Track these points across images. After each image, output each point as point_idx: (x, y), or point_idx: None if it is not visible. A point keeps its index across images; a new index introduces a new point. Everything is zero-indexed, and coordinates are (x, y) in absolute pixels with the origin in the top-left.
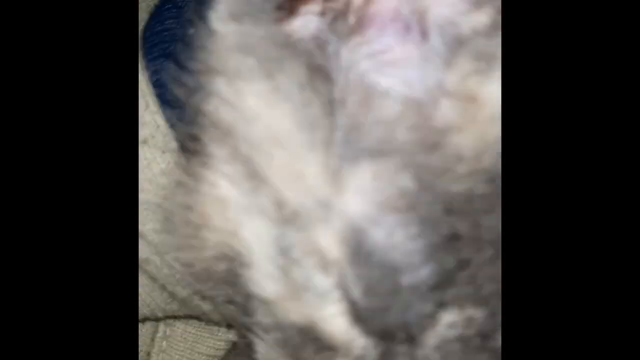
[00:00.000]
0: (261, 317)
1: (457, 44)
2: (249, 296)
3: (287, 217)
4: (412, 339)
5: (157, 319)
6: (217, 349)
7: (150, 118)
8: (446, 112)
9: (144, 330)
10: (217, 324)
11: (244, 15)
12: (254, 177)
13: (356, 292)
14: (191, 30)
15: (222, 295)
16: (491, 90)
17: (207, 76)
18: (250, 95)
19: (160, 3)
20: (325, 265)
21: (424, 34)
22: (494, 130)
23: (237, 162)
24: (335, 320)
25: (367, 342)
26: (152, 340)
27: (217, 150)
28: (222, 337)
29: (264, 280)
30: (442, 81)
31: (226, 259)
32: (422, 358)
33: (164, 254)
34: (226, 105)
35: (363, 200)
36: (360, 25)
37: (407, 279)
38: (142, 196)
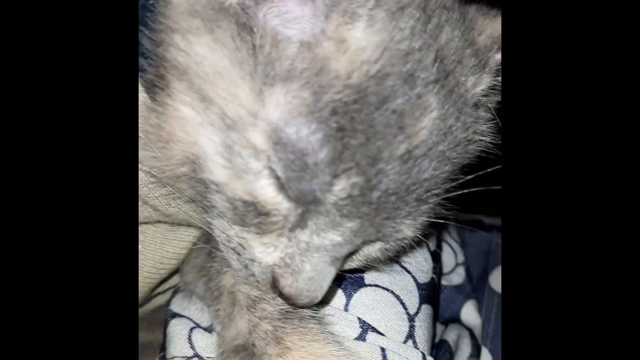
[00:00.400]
0: (214, 197)
1: (333, 4)
2: (206, 185)
3: (229, 125)
4: (318, 200)
5: None
6: (181, 248)
7: None
8: (327, 49)
9: None
10: (179, 225)
11: None
12: (204, 100)
13: (279, 170)
14: (151, 1)
15: (186, 191)
16: (355, 34)
17: (167, 34)
18: (198, 45)
19: None
20: (257, 154)
21: None
22: (358, 58)
23: (192, 91)
24: (266, 190)
25: (289, 205)
26: None
27: (177, 85)
28: (185, 238)
29: (217, 169)
30: (323, 29)
31: (189, 162)
32: (325, 212)
33: (142, 167)
34: (182, 53)
35: (279, 110)
36: None
37: (311, 159)
38: None
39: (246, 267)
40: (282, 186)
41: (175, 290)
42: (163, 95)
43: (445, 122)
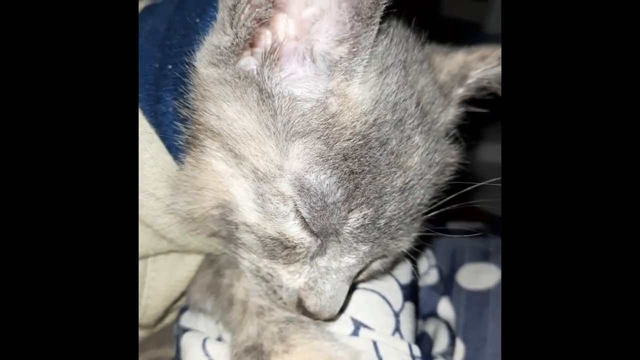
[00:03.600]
0: (243, 235)
1: (334, 64)
2: (236, 225)
3: (260, 177)
4: (336, 232)
5: (147, 257)
6: (189, 272)
7: None
8: (333, 104)
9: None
10: (188, 253)
11: (218, 62)
12: (237, 157)
13: (304, 212)
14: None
15: (211, 228)
16: (354, 90)
17: (199, 101)
18: (229, 111)
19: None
20: (284, 200)
21: (313, 61)
22: (358, 110)
23: (225, 150)
24: (293, 229)
25: (311, 239)
26: (145, 270)
27: (210, 143)
28: (192, 263)
29: (249, 213)
30: (327, 87)
31: (220, 206)
32: (342, 240)
33: (172, 209)
34: (214, 117)
35: (300, 161)
36: (277, 60)
37: (330, 199)
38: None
39: (274, 292)
40: (306, 224)
41: (182, 309)
42: (197, 151)
43: (429, 155)
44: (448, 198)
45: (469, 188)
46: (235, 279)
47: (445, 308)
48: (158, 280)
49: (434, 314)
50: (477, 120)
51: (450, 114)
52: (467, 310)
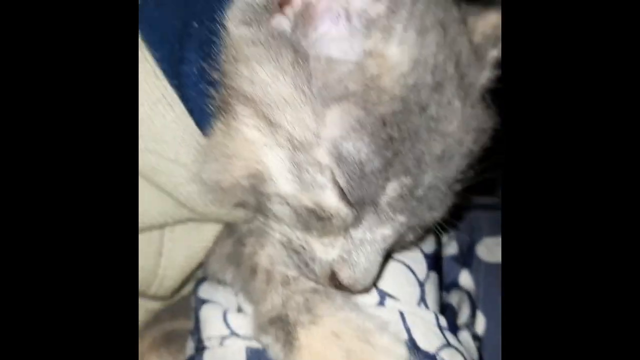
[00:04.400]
0: (275, 206)
1: (371, 22)
2: (268, 196)
3: (296, 146)
4: (373, 202)
5: (163, 226)
6: (207, 241)
7: None
8: (371, 67)
9: (155, 233)
10: (206, 222)
11: (251, 21)
12: (271, 125)
13: (342, 182)
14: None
15: (237, 199)
16: (392, 50)
17: (231, 64)
18: (262, 73)
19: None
20: (322, 169)
21: (348, 19)
22: (397, 72)
23: (258, 117)
24: (330, 200)
25: (348, 210)
26: (161, 239)
27: (242, 109)
28: (209, 232)
29: (284, 184)
30: (365, 48)
31: (251, 176)
32: (380, 211)
33: (199, 177)
34: (247, 81)
35: (337, 128)
36: (310, 19)
37: (367, 168)
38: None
39: (306, 264)
40: (343, 194)
41: (200, 280)
42: (227, 118)
43: (467, 120)
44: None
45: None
46: (258, 247)
47: (466, 279)
48: (175, 251)
49: (455, 285)
50: None
51: (484, 77)
52: (486, 282)
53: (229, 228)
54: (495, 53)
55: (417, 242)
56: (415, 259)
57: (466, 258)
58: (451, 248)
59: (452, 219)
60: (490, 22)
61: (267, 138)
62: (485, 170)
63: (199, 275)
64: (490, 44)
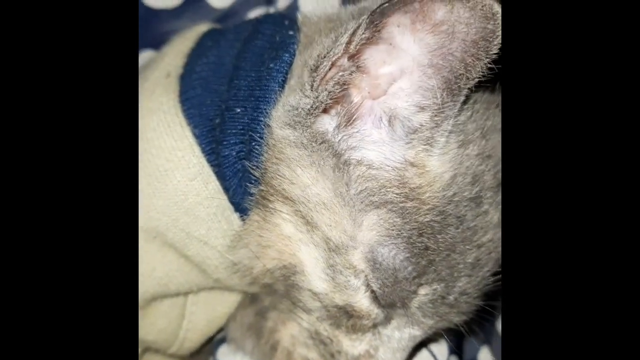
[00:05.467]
0: (305, 298)
1: (413, 131)
2: (299, 288)
3: (332, 248)
4: (405, 305)
5: (190, 292)
6: (229, 308)
7: None
8: (411, 176)
9: (178, 299)
10: (229, 291)
11: (295, 124)
12: (308, 224)
13: (375, 286)
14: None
15: (265, 284)
16: (433, 162)
17: (272, 163)
18: (303, 177)
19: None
20: (356, 273)
21: (391, 124)
22: (437, 184)
23: (296, 215)
24: (362, 302)
25: (379, 311)
26: (185, 303)
27: (280, 206)
28: (232, 300)
29: (317, 282)
30: (405, 156)
31: (283, 267)
32: (410, 314)
33: (231, 258)
34: (287, 181)
35: (373, 233)
36: (353, 121)
37: (400, 275)
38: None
39: (332, 355)
40: (375, 298)
41: (219, 342)
42: (265, 211)
43: (500, 228)
44: None
45: None
46: (280, 324)
47: (486, 357)
48: (198, 315)
49: None
50: None
51: None
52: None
53: (252, 297)
54: None
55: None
56: (438, 343)
57: (487, 335)
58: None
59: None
60: None
61: (303, 235)
62: None
63: (218, 336)
64: None
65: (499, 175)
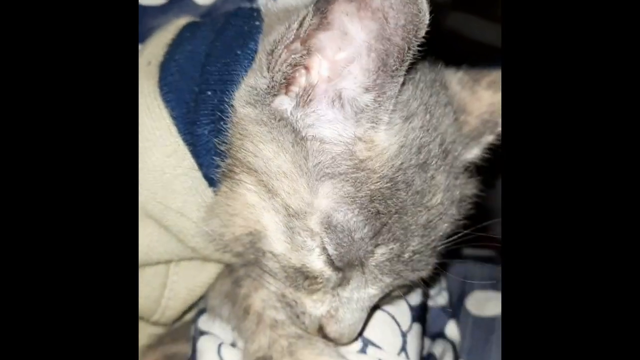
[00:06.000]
0: (269, 262)
1: (361, 110)
2: (263, 252)
3: (291, 213)
4: (362, 263)
5: (170, 261)
6: (209, 278)
7: None
8: (361, 150)
9: (161, 266)
10: (209, 261)
11: (255, 102)
12: (270, 192)
13: (330, 248)
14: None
15: (237, 251)
16: (380, 136)
17: (237, 138)
18: (265, 150)
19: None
20: (312, 236)
21: (342, 105)
22: (385, 155)
23: (259, 184)
24: (315, 263)
25: (332, 272)
26: (167, 272)
27: (245, 177)
28: (212, 270)
29: (277, 244)
30: (355, 133)
31: (250, 234)
32: (368, 272)
33: (205, 227)
34: (250, 154)
35: (328, 200)
36: (309, 101)
37: (357, 235)
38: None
39: (297, 317)
40: (330, 260)
41: (200, 311)
42: (232, 182)
43: (450, 191)
44: (467, 232)
45: (485, 223)
46: (252, 290)
47: (452, 330)
48: (179, 284)
49: (441, 335)
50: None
51: (473, 153)
52: (473, 335)
53: (230, 267)
54: (490, 138)
55: (403, 295)
56: (401, 310)
57: (455, 309)
58: (441, 298)
59: (440, 273)
60: (485, 102)
61: (265, 202)
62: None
63: (200, 305)
64: (487, 130)
65: (446, 144)
